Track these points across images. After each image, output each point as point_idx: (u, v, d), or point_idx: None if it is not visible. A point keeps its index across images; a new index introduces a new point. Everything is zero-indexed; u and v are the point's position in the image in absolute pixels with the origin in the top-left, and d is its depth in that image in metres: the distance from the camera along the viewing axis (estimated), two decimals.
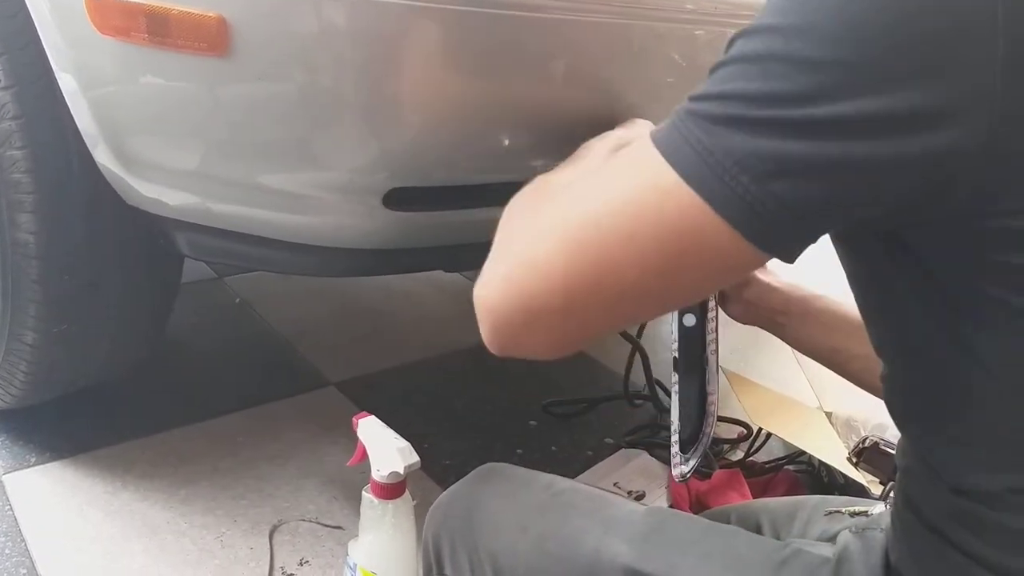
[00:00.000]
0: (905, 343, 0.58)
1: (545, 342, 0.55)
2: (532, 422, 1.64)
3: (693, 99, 0.49)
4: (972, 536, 0.55)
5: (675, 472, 0.87)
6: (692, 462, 0.87)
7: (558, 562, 0.72)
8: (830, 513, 0.79)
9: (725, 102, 0.47)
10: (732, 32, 0.50)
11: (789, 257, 0.50)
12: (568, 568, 0.71)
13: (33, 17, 0.96)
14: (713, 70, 0.49)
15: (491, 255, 0.59)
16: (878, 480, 1.31)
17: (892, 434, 1.33)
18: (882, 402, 0.63)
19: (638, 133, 0.82)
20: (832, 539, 0.74)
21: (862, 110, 0.44)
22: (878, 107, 0.44)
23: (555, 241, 0.52)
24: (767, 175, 0.45)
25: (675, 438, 0.89)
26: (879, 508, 0.74)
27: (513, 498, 0.77)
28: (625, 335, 1.63)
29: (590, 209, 0.52)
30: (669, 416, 0.92)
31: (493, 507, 0.77)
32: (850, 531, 0.69)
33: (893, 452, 1.30)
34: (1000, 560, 0.54)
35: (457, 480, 0.82)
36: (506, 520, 0.75)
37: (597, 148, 0.79)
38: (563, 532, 0.73)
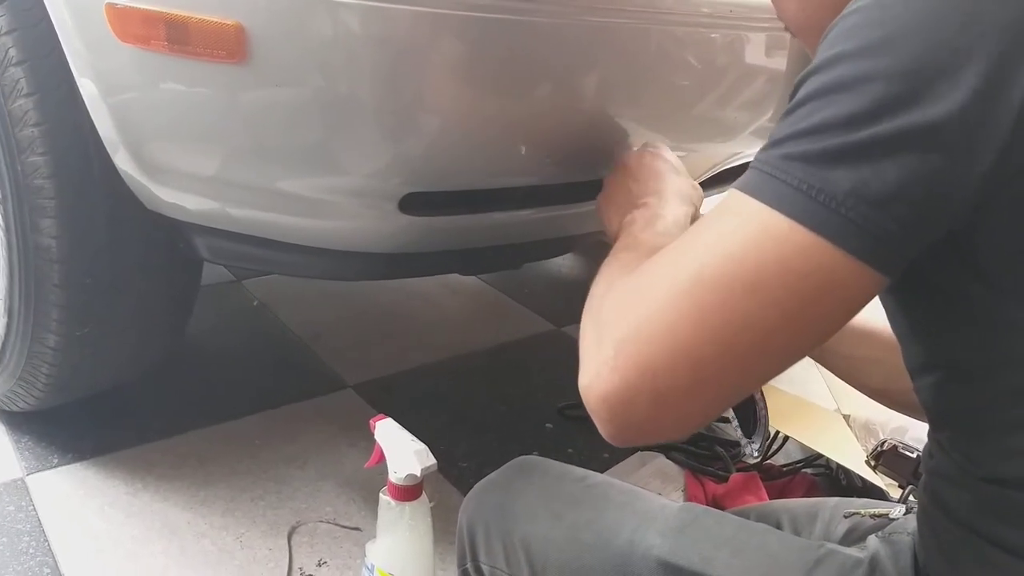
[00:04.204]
0: (950, 355, 0.56)
1: (674, 422, 0.52)
2: (548, 425, 1.64)
3: (777, 143, 0.48)
4: (1003, 525, 0.55)
5: (747, 451, 0.89)
6: (758, 441, 0.89)
7: (591, 551, 0.72)
8: (850, 515, 0.79)
9: (817, 136, 0.46)
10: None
11: (897, 276, 0.49)
12: (601, 558, 0.72)
13: (55, 25, 0.98)
14: (786, 114, 0.49)
15: (586, 342, 0.55)
16: (897, 483, 1.30)
17: (911, 437, 1.32)
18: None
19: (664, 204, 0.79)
20: (857, 541, 0.74)
21: (949, 110, 0.44)
22: (959, 104, 0.44)
23: (672, 311, 0.49)
24: (885, 199, 0.45)
25: (735, 424, 0.91)
26: (898, 510, 0.74)
27: (547, 488, 0.78)
28: None
29: (705, 270, 0.49)
30: None
31: (528, 496, 0.78)
32: (877, 536, 0.69)
33: (912, 455, 1.30)
34: None
35: (475, 482, 0.83)
36: (540, 509, 0.76)
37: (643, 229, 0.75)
38: (597, 523, 0.74)
